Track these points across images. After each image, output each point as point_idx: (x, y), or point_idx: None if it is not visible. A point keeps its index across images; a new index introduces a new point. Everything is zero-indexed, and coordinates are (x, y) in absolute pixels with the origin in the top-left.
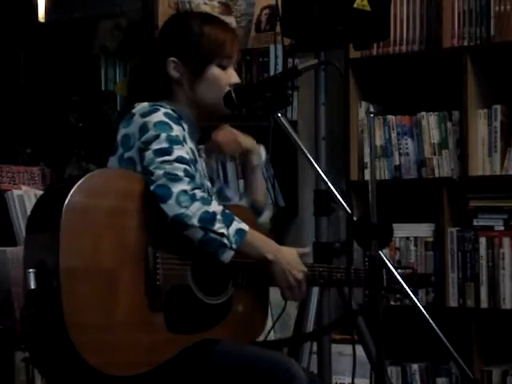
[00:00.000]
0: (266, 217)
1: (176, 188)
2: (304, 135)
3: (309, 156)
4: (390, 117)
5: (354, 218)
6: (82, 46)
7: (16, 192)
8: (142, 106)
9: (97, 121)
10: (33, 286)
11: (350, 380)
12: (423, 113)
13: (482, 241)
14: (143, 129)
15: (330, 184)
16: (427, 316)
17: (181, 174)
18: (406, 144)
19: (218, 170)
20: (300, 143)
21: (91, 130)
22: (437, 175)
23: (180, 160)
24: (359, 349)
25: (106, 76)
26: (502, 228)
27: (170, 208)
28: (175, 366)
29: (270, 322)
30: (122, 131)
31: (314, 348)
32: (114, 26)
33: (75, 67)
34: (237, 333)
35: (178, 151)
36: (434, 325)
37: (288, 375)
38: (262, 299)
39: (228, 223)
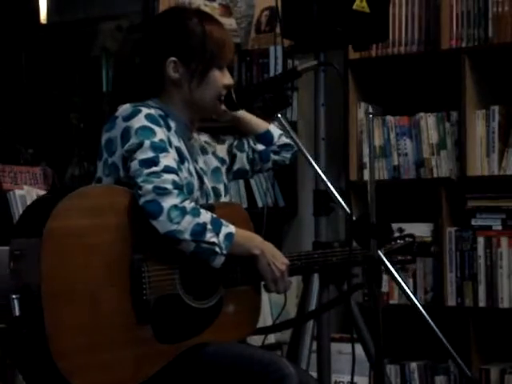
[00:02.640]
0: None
1: (166, 203)
2: (304, 136)
3: (308, 156)
4: (388, 117)
5: (353, 218)
6: (84, 47)
7: (18, 192)
8: (125, 108)
9: (98, 121)
10: (17, 313)
11: (349, 378)
12: (422, 113)
13: (480, 240)
14: (125, 134)
15: (329, 184)
16: (426, 315)
17: (170, 186)
18: (405, 144)
19: None
20: (300, 143)
21: (92, 131)
22: (435, 175)
23: (167, 170)
24: (358, 347)
25: (107, 77)
26: (499, 228)
27: (162, 225)
28: (167, 372)
29: (270, 321)
30: (105, 135)
31: (314, 347)
32: (115, 28)
33: (76, 68)
34: (227, 333)
35: (165, 160)
36: (432, 324)
37: (279, 374)
38: (254, 296)
39: (217, 230)
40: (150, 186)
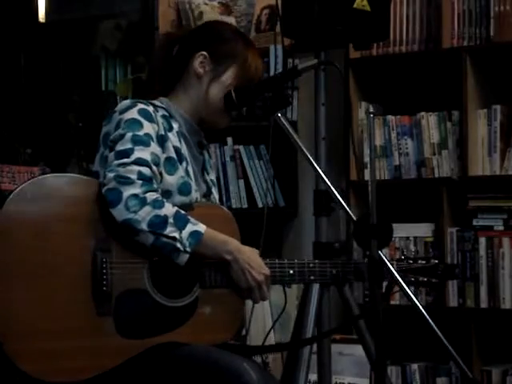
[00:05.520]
0: None
1: (127, 192)
2: (304, 135)
3: (309, 156)
4: (389, 117)
5: (354, 218)
6: (82, 46)
7: None
8: (124, 102)
9: (97, 121)
10: None
11: (350, 380)
12: (423, 113)
13: (482, 241)
14: (117, 126)
15: (329, 184)
16: (427, 316)
17: (133, 176)
18: (406, 144)
19: (218, 169)
20: (300, 143)
21: (91, 130)
22: (436, 175)
23: (137, 162)
24: (359, 348)
25: (107, 76)
26: (501, 228)
27: (119, 213)
28: (133, 367)
29: (270, 322)
30: (103, 129)
31: (314, 348)
32: (114, 27)
33: (75, 67)
34: (201, 335)
35: (139, 152)
36: (433, 325)
37: (241, 381)
38: (236, 300)
39: (181, 226)
40: (112, 175)
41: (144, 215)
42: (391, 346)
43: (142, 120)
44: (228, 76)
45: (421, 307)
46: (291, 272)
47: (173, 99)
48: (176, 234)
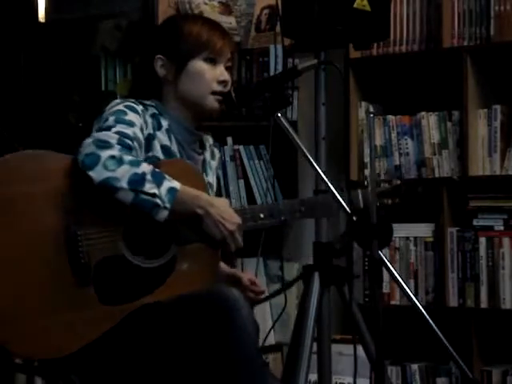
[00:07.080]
0: None
1: (104, 154)
2: (304, 135)
3: (309, 156)
4: (389, 117)
5: (354, 218)
6: (82, 45)
7: None
8: (114, 101)
9: None
10: None
11: (350, 380)
12: (423, 113)
13: (482, 241)
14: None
15: (329, 184)
16: (427, 316)
17: (113, 141)
18: (406, 144)
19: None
20: (300, 143)
21: (91, 130)
22: (437, 175)
23: (119, 133)
24: (359, 348)
25: (106, 76)
26: (501, 228)
27: (97, 173)
28: (118, 333)
29: (270, 322)
30: (95, 127)
31: (314, 348)
32: (114, 26)
33: (75, 67)
34: (178, 291)
35: (121, 128)
36: (433, 325)
37: (227, 304)
38: (211, 252)
39: (158, 182)
40: (90, 140)
41: (123, 173)
42: (391, 346)
43: (126, 110)
44: (191, 66)
45: (421, 307)
46: (262, 216)
47: (164, 103)
48: (155, 190)
